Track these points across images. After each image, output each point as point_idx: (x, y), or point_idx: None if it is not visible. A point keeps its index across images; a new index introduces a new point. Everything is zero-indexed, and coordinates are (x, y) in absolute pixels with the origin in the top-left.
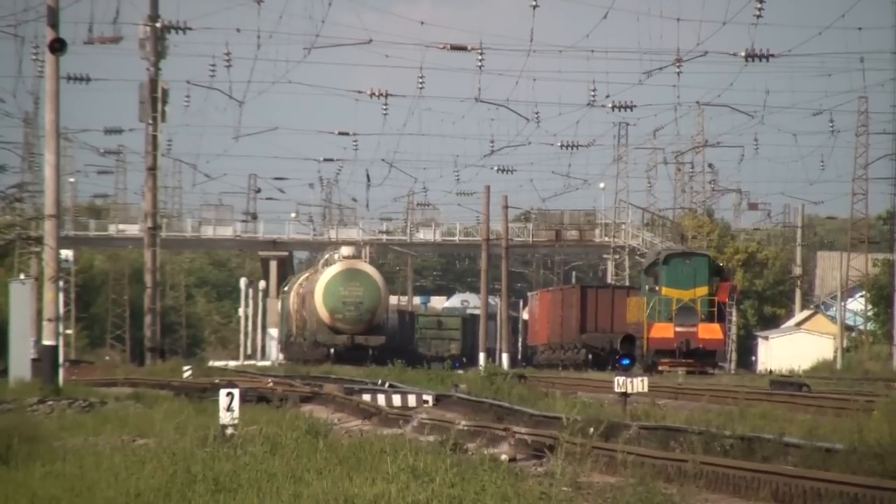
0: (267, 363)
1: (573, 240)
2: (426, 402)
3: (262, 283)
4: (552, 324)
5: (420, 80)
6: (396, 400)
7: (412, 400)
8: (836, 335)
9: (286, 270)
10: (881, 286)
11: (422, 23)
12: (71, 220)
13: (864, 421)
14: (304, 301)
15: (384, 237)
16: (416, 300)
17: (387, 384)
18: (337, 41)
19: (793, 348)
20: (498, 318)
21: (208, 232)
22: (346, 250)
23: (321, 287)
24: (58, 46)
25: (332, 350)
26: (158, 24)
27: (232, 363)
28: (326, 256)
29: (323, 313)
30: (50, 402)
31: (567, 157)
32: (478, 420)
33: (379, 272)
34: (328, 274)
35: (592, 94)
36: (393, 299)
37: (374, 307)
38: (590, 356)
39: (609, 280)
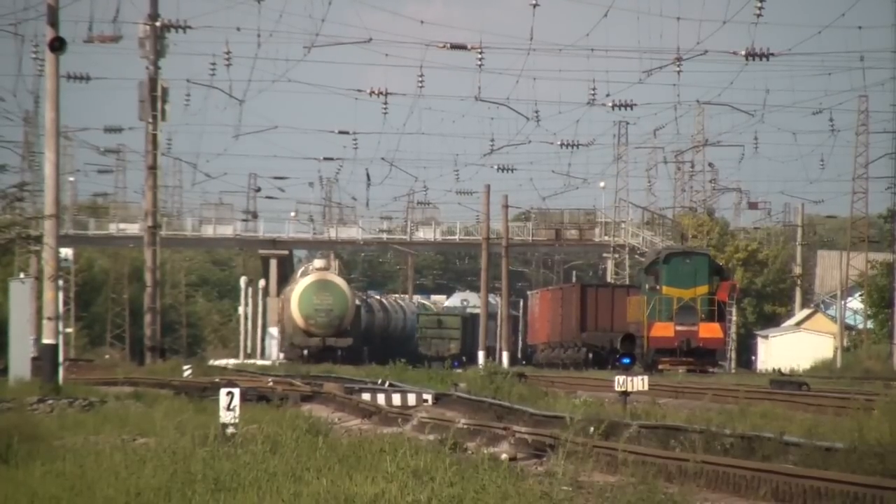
0: (267, 362)
1: (573, 239)
2: (426, 401)
3: (262, 282)
4: (552, 322)
5: (420, 79)
6: (396, 399)
7: (412, 399)
8: (835, 334)
9: (286, 269)
10: (880, 288)
11: (422, 21)
12: (71, 219)
13: (864, 420)
14: (283, 307)
15: (384, 236)
16: (417, 298)
17: (386, 383)
18: (337, 40)
19: (793, 347)
20: (498, 316)
21: (208, 231)
22: (318, 263)
23: (296, 296)
24: (58, 45)
25: (305, 351)
26: (158, 23)
27: (232, 362)
28: (301, 269)
29: (298, 319)
30: (50, 401)
31: (567, 155)
32: (478, 419)
33: (347, 282)
34: (302, 284)
35: (592, 92)
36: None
37: (343, 313)
38: (590, 355)
39: (609, 279)
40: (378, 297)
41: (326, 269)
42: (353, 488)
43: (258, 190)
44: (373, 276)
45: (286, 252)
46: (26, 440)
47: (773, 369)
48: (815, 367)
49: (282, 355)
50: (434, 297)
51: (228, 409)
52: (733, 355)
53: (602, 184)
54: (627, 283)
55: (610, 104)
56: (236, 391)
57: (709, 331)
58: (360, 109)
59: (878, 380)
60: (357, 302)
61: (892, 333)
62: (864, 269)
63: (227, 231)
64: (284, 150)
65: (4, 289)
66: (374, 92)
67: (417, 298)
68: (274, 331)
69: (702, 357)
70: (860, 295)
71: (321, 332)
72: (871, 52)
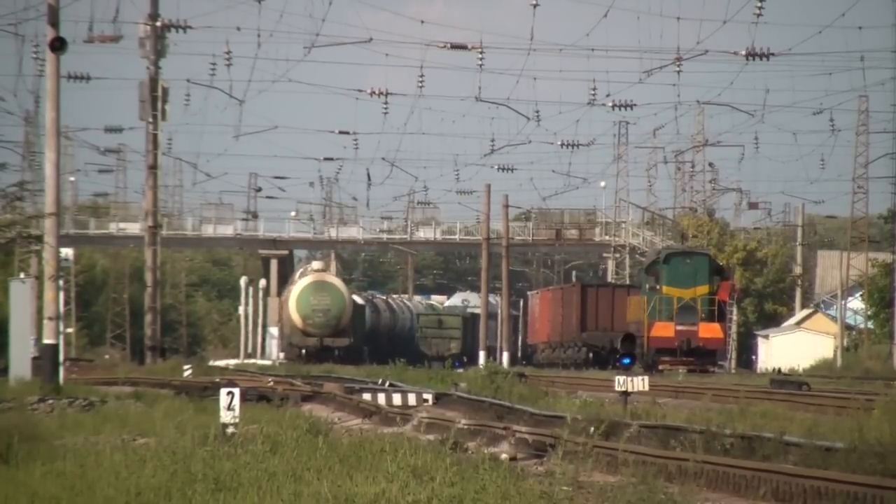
0: (267, 362)
1: (573, 239)
2: (426, 400)
3: (262, 282)
4: (553, 322)
5: (420, 79)
6: (397, 399)
7: (412, 399)
8: (836, 334)
9: (287, 269)
10: (881, 288)
11: (422, 21)
12: (71, 219)
13: (865, 420)
14: (281, 308)
15: (384, 236)
16: (419, 299)
17: (387, 383)
18: (337, 40)
19: (793, 347)
20: (498, 316)
21: (209, 231)
22: (316, 264)
23: (294, 297)
24: (58, 45)
25: (303, 350)
26: (158, 23)
27: (232, 362)
28: (300, 270)
29: (296, 319)
30: (50, 401)
31: (567, 155)
32: (478, 419)
33: (344, 283)
34: (300, 285)
35: (593, 92)
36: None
37: (340, 314)
38: (590, 355)
39: (609, 279)
40: (385, 297)
41: (324, 270)
42: (354, 488)
43: (258, 190)
44: (373, 276)
45: (286, 252)
46: (26, 440)
47: (774, 369)
48: (816, 367)
49: (282, 355)
50: (434, 297)
51: (228, 408)
52: (733, 355)
53: (602, 184)
54: (628, 283)
55: (610, 104)
56: (236, 391)
57: (709, 331)
58: (361, 109)
59: (878, 380)
60: (361, 301)
61: (892, 333)
62: (865, 269)
63: (227, 231)
64: (285, 150)
65: (5, 289)
66: (374, 92)
67: (420, 299)
68: (274, 331)
69: (702, 357)
70: (860, 295)
71: (318, 332)
72: (871, 52)
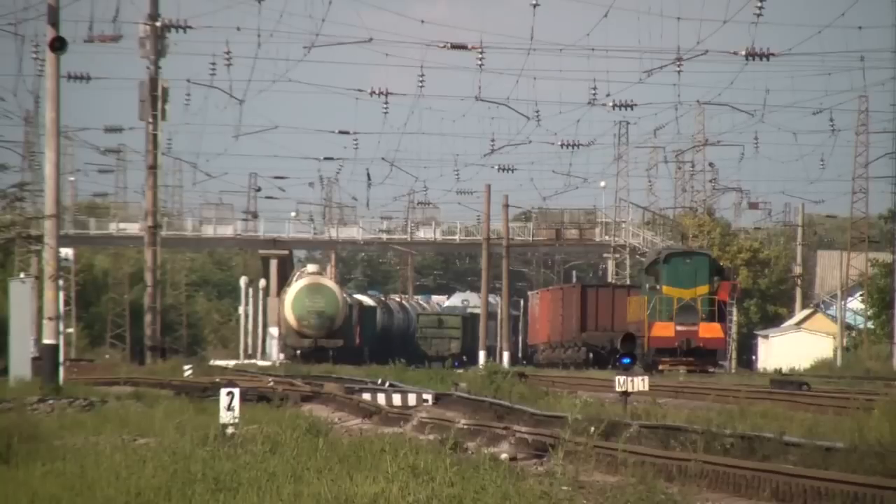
0: (267, 362)
1: (573, 239)
2: (426, 401)
3: (262, 282)
4: (553, 322)
5: (420, 79)
6: (396, 399)
7: (412, 399)
8: (836, 334)
9: (286, 269)
10: (881, 289)
11: (422, 21)
12: (71, 219)
13: (865, 420)
14: (279, 309)
15: (384, 236)
16: (417, 298)
17: (387, 383)
18: (337, 40)
19: (793, 347)
20: (498, 316)
21: (209, 231)
22: (311, 267)
23: (290, 298)
24: (58, 45)
25: (298, 351)
26: (158, 23)
27: (232, 362)
28: (297, 273)
29: (292, 320)
30: (50, 401)
31: (567, 155)
32: (478, 419)
33: (339, 286)
34: (296, 287)
35: (593, 92)
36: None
37: (334, 315)
38: (590, 355)
39: (609, 279)
40: (399, 299)
41: (319, 273)
42: (354, 488)
43: (258, 190)
44: (373, 277)
45: (286, 252)
46: (26, 440)
47: (774, 370)
48: (816, 367)
49: (282, 356)
50: (434, 297)
51: (228, 409)
52: (734, 355)
53: (602, 184)
54: (628, 283)
55: (610, 104)
56: (236, 391)
57: (709, 331)
58: (361, 109)
59: (878, 380)
60: (372, 303)
61: (892, 333)
62: (865, 269)
63: (227, 231)
64: (284, 150)
65: (5, 289)
66: (374, 92)
67: (421, 299)
68: (274, 331)
69: (702, 357)
70: (860, 295)
71: (313, 334)
72: (871, 52)
